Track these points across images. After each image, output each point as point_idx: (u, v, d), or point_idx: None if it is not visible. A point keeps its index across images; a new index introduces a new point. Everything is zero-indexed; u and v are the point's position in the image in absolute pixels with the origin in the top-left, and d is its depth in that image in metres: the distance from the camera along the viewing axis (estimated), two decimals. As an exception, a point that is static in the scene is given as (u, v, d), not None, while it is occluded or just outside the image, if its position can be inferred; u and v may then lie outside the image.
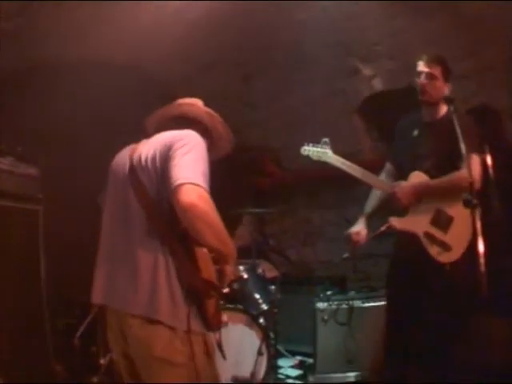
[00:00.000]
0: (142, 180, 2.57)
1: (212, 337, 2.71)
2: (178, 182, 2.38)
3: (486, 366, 3.90)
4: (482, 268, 2.92)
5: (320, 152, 4.01)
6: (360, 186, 4.11)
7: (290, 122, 6.61)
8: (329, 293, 5.17)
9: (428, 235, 3.86)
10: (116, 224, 2.68)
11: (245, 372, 4.45)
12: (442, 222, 3.88)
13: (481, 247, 2.95)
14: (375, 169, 4.24)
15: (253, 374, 4.44)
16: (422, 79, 3.91)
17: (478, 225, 3.02)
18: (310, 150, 4.03)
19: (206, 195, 2.41)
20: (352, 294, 5.12)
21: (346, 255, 4.58)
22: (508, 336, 4.13)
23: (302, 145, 4.04)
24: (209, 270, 2.60)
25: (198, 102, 3.02)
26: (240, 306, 4.60)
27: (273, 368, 4.70)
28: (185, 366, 2.46)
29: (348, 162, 3.99)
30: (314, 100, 6.26)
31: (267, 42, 5.72)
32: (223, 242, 2.52)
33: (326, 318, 4.93)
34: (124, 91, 5.08)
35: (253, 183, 7.07)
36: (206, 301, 2.53)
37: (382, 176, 4.30)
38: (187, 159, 2.47)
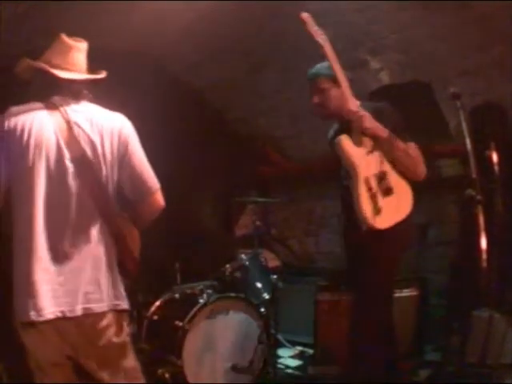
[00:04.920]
0: (90, 165, 2.62)
1: None
2: (154, 187, 2.78)
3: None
4: (484, 264, 2.95)
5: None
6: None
7: (295, 113, 6.60)
8: (330, 284, 5.20)
9: (368, 184, 3.63)
10: (52, 215, 2.58)
11: (244, 360, 4.47)
12: (383, 185, 3.66)
13: (483, 243, 2.97)
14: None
15: (252, 362, 4.46)
16: (315, 100, 3.90)
17: (481, 221, 3.05)
18: None
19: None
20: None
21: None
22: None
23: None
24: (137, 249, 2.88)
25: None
26: (241, 295, 4.62)
27: (272, 357, 4.72)
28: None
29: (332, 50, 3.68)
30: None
31: (276, 32, 5.71)
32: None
33: (326, 308, 4.96)
34: (130, 78, 5.09)
35: (256, 172, 7.08)
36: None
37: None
38: (145, 160, 2.78)
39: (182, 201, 6.25)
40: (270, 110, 6.86)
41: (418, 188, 3.77)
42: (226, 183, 6.32)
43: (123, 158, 2.70)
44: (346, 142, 3.69)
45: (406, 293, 4.97)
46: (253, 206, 6.61)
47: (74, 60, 2.77)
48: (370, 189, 3.61)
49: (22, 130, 2.55)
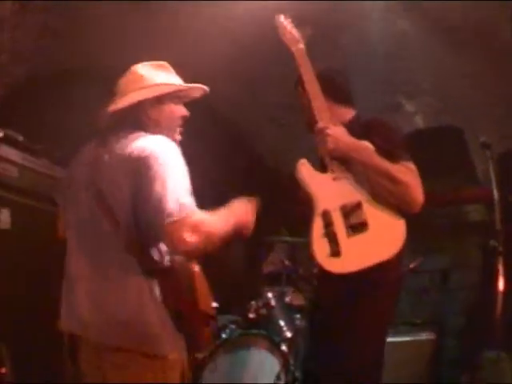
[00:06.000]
0: (108, 199, 2.37)
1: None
2: (168, 219, 2.20)
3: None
4: (499, 306, 2.94)
5: None
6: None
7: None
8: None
9: (327, 218, 3.06)
10: (83, 243, 2.47)
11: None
12: (353, 219, 3.02)
13: (501, 287, 2.97)
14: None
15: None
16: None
17: (501, 270, 3.05)
18: None
19: (195, 220, 2.25)
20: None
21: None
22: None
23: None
24: (207, 300, 2.48)
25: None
26: (263, 332, 4.59)
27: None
28: None
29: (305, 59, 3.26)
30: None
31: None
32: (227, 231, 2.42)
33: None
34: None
35: (286, 211, 7.08)
36: (201, 328, 2.44)
37: None
38: (168, 182, 2.27)
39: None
40: (300, 148, 6.90)
41: (442, 233, 3.73)
42: (255, 221, 6.32)
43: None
44: (303, 167, 3.22)
45: (422, 336, 4.94)
46: (281, 245, 6.62)
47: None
48: (328, 224, 3.02)
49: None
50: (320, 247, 3.02)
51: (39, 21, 4.43)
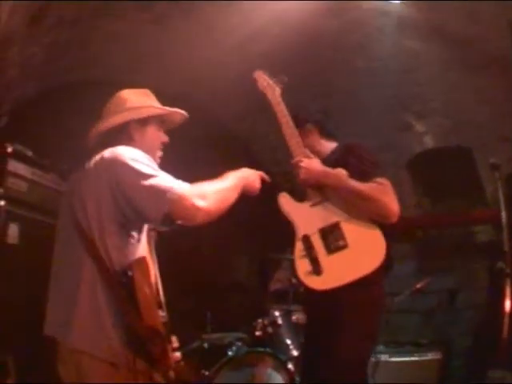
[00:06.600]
0: (79, 218, 2.48)
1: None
2: (173, 195, 2.36)
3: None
4: (506, 327, 2.96)
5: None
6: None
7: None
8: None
9: (307, 242, 3.24)
10: (61, 257, 2.61)
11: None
12: (332, 240, 3.19)
13: (507, 308, 2.98)
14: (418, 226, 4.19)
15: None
16: None
17: (508, 291, 3.06)
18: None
19: (199, 188, 2.47)
20: (380, 347, 4.99)
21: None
22: None
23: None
24: (152, 317, 2.47)
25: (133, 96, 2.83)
26: (269, 350, 4.59)
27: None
28: None
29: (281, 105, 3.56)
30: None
31: (322, 88, 5.80)
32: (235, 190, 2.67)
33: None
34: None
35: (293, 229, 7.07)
36: (150, 346, 2.40)
37: None
38: (148, 170, 2.44)
39: (218, 252, 6.31)
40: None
41: (450, 253, 3.72)
42: (263, 239, 6.33)
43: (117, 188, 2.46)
44: (283, 199, 3.44)
45: (429, 356, 4.93)
46: (289, 262, 6.61)
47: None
48: (308, 247, 3.20)
49: None
50: (302, 267, 3.20)
51: (49, 35, 4.45)
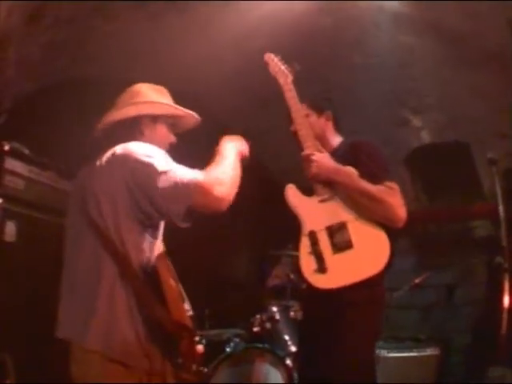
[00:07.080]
0: (93, 215, 2.44)
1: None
2: (192, 184, 2.35)
3: None
4: (504, 323, 2.96)
5: None
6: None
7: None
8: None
9: (313, 238, 3.19)
10: (73, 255, 2.53)
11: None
12: (337, 238, 3.15)
13: (506, 304, 2.99)
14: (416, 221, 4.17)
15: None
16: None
17: (506, 286, 3.06)
18: None
19: (214, 176, 2.43)
20: (380, 343, 4.96)
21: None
22: None
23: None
24: (180, 310, 2.45)
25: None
26: (268, 346, 4.58)
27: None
28: None
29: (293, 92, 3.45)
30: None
31: (319, 85, 5.79)
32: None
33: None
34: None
35: (293, 225, 7.07)
36: (178, 342, 2.37)
37: None
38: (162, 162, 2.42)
39: (216, 248, 6.30)
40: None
41: (448, 248, 3.72)
42: (263, 235, 6.33)
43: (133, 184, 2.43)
44: (291, 191, 3.36)
45: (427, 352, 4.94)
46: (288, 258, 6.61)
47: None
48: (314, 243, 3.15)
49: None
50: (307, 264, 3.15)
51: (46, 34, 4.45)
